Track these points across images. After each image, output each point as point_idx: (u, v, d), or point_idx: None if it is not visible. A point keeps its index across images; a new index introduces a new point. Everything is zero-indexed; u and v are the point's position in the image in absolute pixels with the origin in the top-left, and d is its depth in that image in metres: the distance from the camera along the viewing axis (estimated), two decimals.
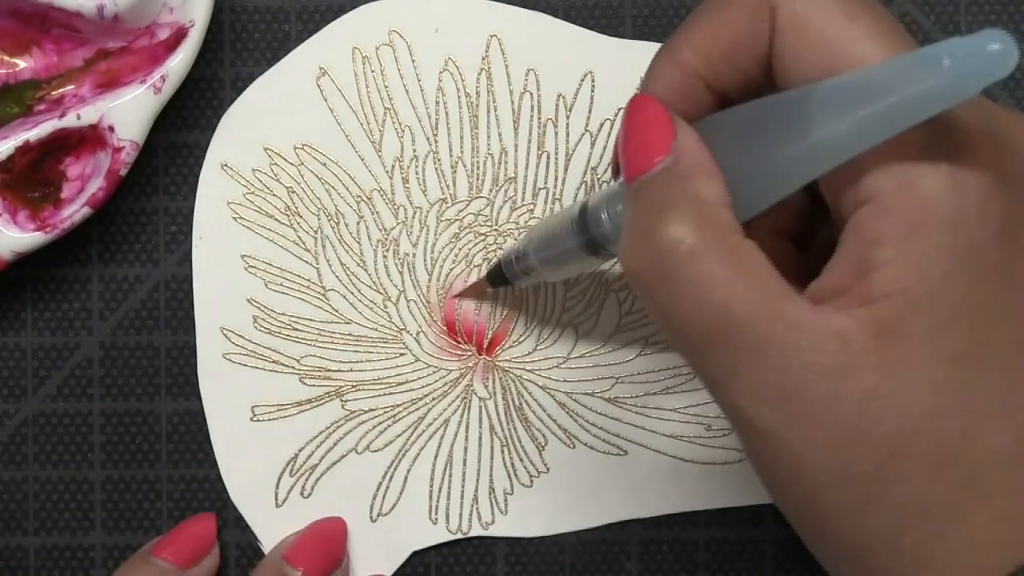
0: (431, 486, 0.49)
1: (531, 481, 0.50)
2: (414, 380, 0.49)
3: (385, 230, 0.49)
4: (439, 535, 0.50)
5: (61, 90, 0.48)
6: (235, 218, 0.49)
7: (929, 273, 0.33)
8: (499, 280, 0.47)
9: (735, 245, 0.34)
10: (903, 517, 0.34)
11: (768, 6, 0.36)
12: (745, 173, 0.35)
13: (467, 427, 0.50)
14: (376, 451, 0.49)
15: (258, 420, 0.49)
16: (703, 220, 0.35)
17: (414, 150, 0.49)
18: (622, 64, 0.49)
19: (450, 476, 0.50)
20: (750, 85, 0.37)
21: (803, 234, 0.40)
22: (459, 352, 0.50)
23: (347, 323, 0.49)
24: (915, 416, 0.33)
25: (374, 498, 0.49)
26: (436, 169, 0.49)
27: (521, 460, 0.50)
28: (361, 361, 0.49)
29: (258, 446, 0.49)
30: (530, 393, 0.49)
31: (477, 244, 0.49)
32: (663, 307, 0.35)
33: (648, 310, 0.35)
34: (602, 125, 0.49)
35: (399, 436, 0.49)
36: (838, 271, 0.34)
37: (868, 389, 0.33)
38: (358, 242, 0.49)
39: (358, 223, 0.49)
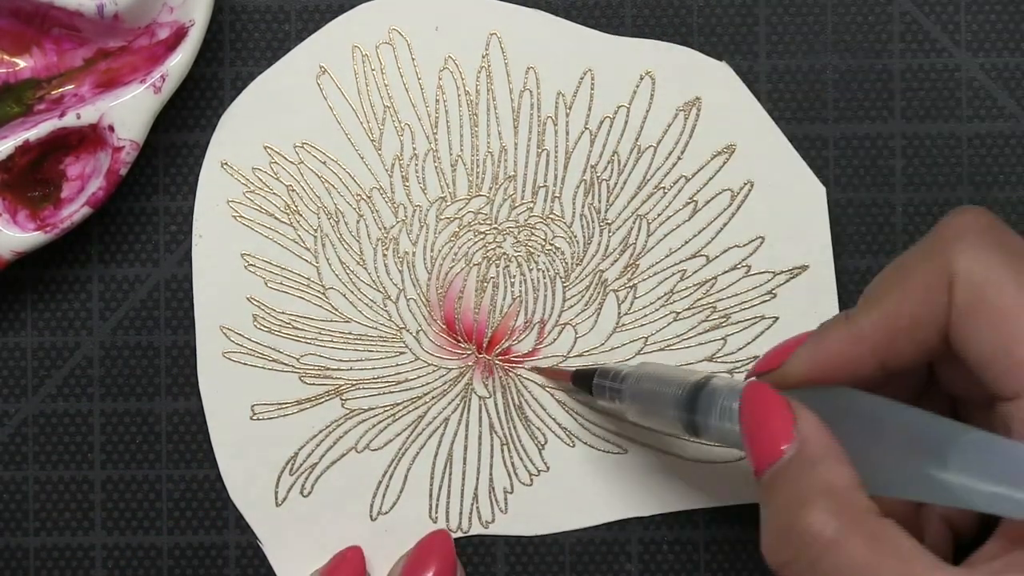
0: (431, 485, 0.49)
1: (531, 480, 0.49)
2: (414, 379, 0.49)
3: (385, 228, 0.49)
4: None
5: (61, 90, 0.48)
6: (235, 217, 0.49)
7: None
8: (583, 383, 0.47)
9: (875, 527, 0.35)
10: None
11: (946, 277, 0.35)
12: (872, 462, 0.36)
13: (467, 426, 0.49)
14: (376, 450, 0.49)
15: (258, 419, 0.49)
16: (839, 507, 0.35)
17: (414, 148, 0.49)
18: (622, 62, 0.49)
19: (450, 475, 0.49)
20: (929, 356, 0.37)
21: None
22: (459, 351, 0.50)
23: (347, 322, 0.49)
24: None
25: (374, 497, 0.49)
26: (436, 167, 0.49)
27: (521, 459, 0.49)
28: (361, 360, 0.49)
29: (258, 445, 0.49)
30: (530, 392, 0.49)
31: (477, 242, 0.49)
32: None
33: None
34: (601, 123, 0.49)
35: (399, 435, 0.49)
36: (992, 542, 0.35)
37: None
38: (358, 241, 0.49)
39: (358, 221, 0.49)
